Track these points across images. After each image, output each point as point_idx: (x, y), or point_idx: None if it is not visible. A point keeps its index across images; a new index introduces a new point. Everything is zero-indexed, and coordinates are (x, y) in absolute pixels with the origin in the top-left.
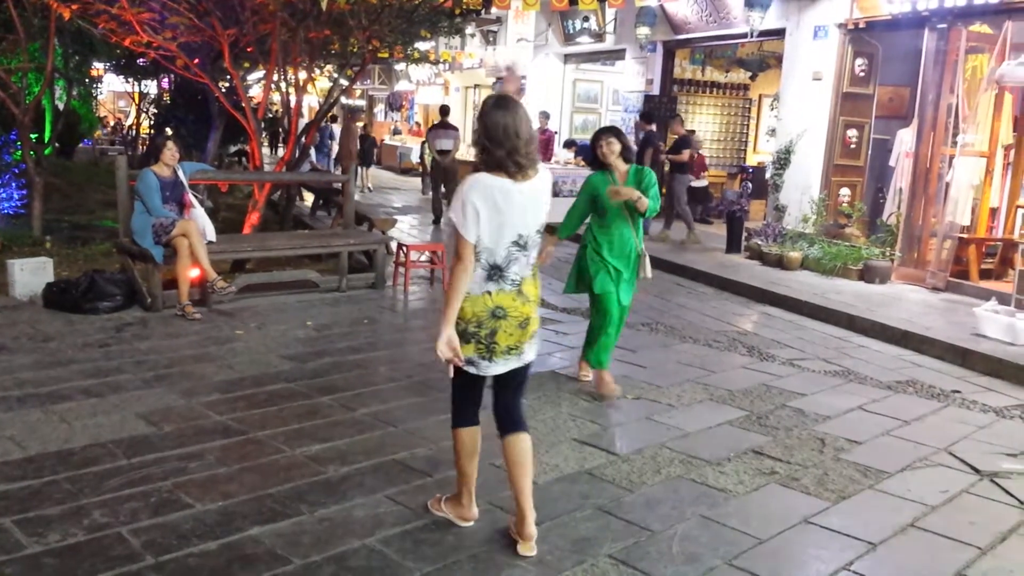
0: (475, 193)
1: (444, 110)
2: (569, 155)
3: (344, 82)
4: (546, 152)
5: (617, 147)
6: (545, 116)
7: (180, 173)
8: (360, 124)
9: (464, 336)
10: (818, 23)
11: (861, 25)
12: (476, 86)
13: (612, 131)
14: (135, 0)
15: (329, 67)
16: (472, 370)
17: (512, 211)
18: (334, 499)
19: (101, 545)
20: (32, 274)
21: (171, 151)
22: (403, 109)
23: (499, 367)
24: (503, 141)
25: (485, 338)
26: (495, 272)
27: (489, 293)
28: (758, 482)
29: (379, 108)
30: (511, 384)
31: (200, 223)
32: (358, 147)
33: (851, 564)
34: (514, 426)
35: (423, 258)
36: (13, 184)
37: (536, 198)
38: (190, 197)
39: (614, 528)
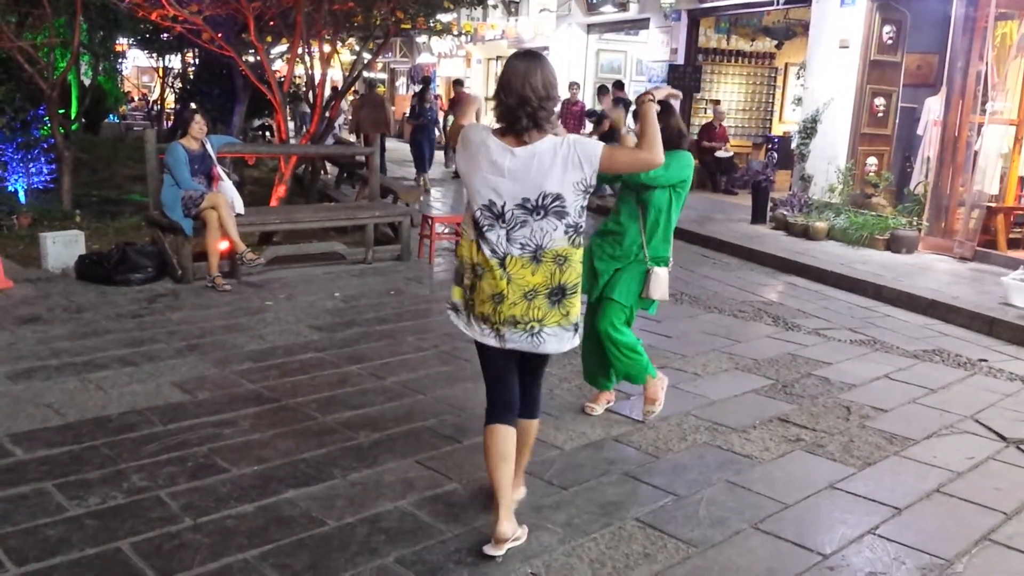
0: (467, 131)
1: (426, 80)
2: (590, 125)
3: (367, 56)
4: (578, 124)
5: None
6: (576, 86)
7: (208, 146)
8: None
9: (457, 276)
10: None
11: None
12: (498, 58)
13: (660, 107)
14: None
15: (352, 40)
16: (452, 317)
17: (487, 173)
18: (366, 464)
19: (141, 507)
20: (64, 247)
21: (199, 124)
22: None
23: (475, 332)
24: (514, 91)
25: (467, 289)
26: (476, 226)
27: (475, 243)
28: (784, 449)
29: (401, 81)
30: (525, 366)
31: (229, 196)
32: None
33: (877, 528)
34: (523, 410)
35: (448, 230)
36: (42, 159)
37: (529, 168)
38: (219, 170)
39: (641, 493)
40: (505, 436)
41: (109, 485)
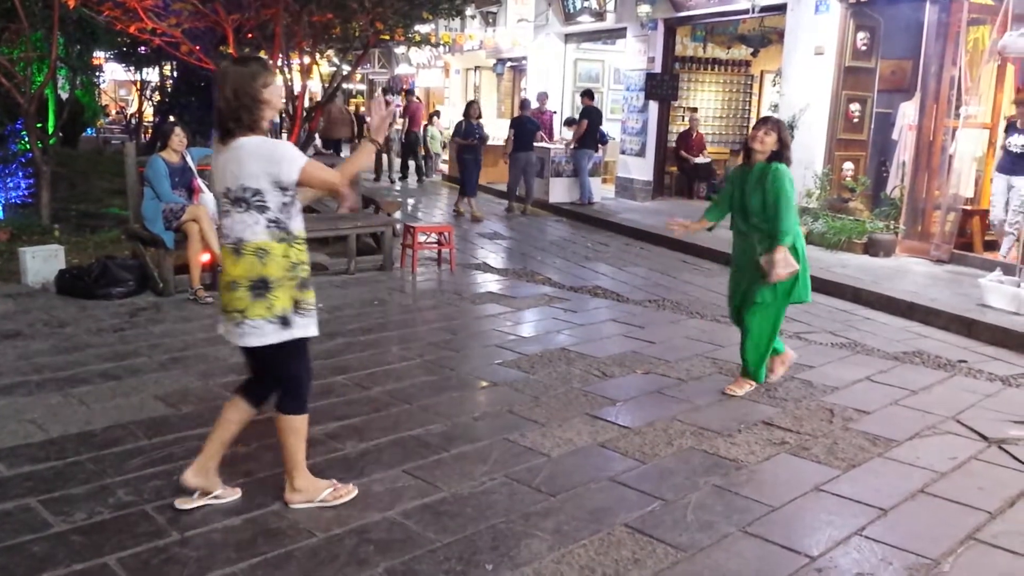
0: None
1: (384, 91)
2: (569, 133)
3: (347, 68)
4: (549, 133)
5: (771, 142)
6: (544, 96)
7: (188, 159)
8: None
9: None
10: None
11: None
12: (476, 68)
13: (775, 124)
14: None
15: (330, 52)
16: None
17: (215, 171)
18: (353, 475)
19: (127, 522)
20: (44, 262)
21: (179, 137)
22: (403, 93)
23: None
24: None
25: None
26: None
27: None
28: (769, 452)
29: (378, 92)
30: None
31: (210, 208)
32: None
33: (863, 529)
34: (276, 403)
35: (430, 239)
36: (20, 173)
37: (229, 162)
38: (199, 182)
39: (628, 498)
40: (231, 405)
41: (94, 500)
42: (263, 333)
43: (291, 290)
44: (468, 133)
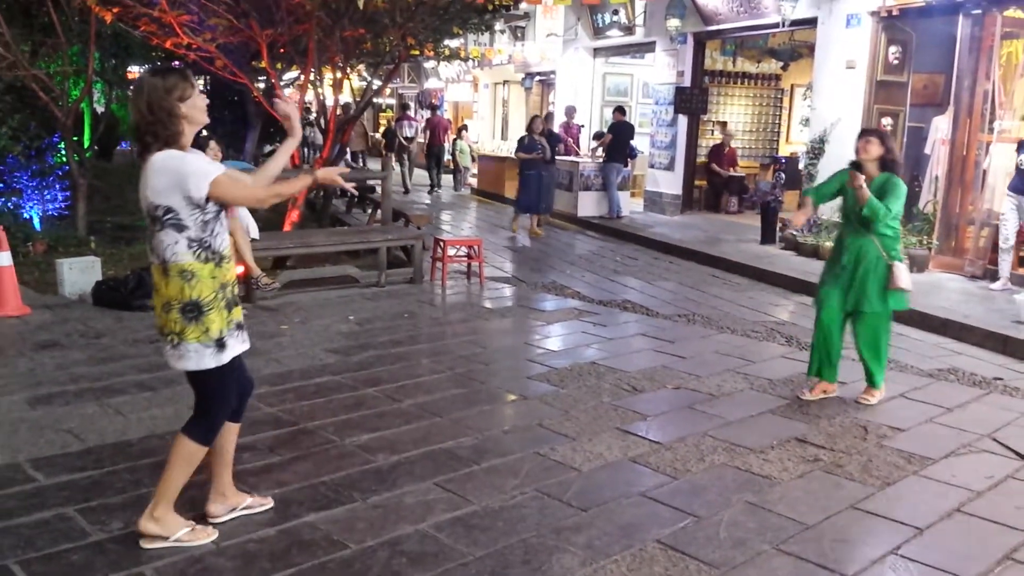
0: None
1: (404, 106)
2: (595, 145)
3: (377, 82)
4: (578, 145)
5: (874, 150)
6: (572, 110)
7: None
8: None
9: None
10: (851, 11)
11: (894, 12)
12: (505, 82)
13: (876, 133)
14: (175, 2)
15: (360, 66)
16: None
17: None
18: (385, 487)
19: None
20: (81, 273)
21: (214, 151)
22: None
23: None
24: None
25: None
26: None
27: None
28: (802, 469)
29: (410, 108)
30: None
31: (243, 221)
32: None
33: (899, 548)
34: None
35: (460, 252)
36: (57, 186)
37: (143, 180)
38: None
39: (660, 514)
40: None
41: (131, 510)
42: (201, 357)
43: (222, 311)
44: (530, 148)
